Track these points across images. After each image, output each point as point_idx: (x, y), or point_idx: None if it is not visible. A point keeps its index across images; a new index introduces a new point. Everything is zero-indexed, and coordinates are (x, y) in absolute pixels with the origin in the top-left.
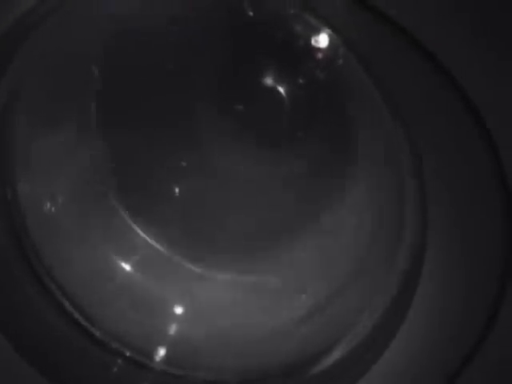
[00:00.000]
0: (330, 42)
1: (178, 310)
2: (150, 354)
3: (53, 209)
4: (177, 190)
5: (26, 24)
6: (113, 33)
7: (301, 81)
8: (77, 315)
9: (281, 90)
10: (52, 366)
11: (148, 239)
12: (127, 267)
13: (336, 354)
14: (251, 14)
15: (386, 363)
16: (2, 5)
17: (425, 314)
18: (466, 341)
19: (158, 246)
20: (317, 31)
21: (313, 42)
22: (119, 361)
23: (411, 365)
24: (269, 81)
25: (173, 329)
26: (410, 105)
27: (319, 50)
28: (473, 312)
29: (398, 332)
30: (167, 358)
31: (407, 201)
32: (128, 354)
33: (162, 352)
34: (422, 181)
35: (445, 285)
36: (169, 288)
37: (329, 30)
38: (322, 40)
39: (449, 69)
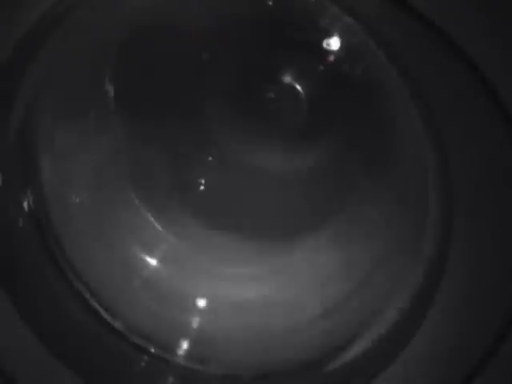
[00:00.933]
0: (352, 31)
1: (199, 305)
2: (173, 350)
3: (76, 204)
4: (198, 183)
5: (46, 23)
6: (131, 28)
7: (322, 73)
8: (101, 310)
9: (302, 83)
10: (77, 360)
11: (170, 234)
12: (150, 263)
13: (354, 351)
14: (271, 3)
15: (404, 361)
16: (23, 5)
17: (445, 313)
18: (484, 342)
19: (179, 240)
20: (338, 20)
21: (334, 32)
22: (142, 355)
23: (430, 362)
24: (290, 73)
25: (195, 324)
26: (434, 93)
27: (341, 40)
28: (493, 313)
29: (418, 330)
30: (188, 353)
31: (431, 197)
32: (151, 349)
33: (183, 347)
34: (446, 177)
35: (466, 286)
36: (190, 283)
37: (350, 18)
38: (344, 30)
39: (470, 54)
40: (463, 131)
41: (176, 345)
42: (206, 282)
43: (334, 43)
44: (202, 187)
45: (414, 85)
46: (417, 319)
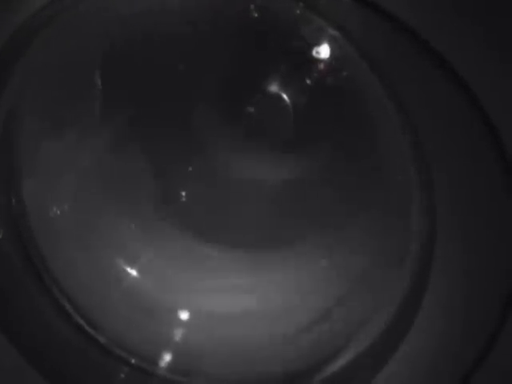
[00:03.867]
0: (336, 42)
1: (182, 317)
2: (154, 361)
3: (58, 215)
4: (181, 195)
5: (29, 29)
6: (117, 37)
7: (307, 84)
8: (81, 322)
9: (287, 93)
10: (57, 372)
11: (152, 245)
12: (131, 273)
13: (342, 361)
14: (256, 15)
15: (391, 371)
16: (5, 10)
17: (434, 316)
18: (478, 341)
19: (161, 252)
20: (323, 31)
21: (319, 43)
22: (124, 367)
23: (417, 372)
24: (276, 84)
25: (176, 336)
26: (416, 102)
27: (325, 52)
28: (485, 312)
29: (402, 342)
30: (171, 365)
31: (415, 206)
32: (132, 360)
33: (166, 359)
34: (431, 188)
35: (455, 285)
36: (173, 294)
37: (334, 30)
38: (328, 41)
39: (452, 64)
40: (446, 140)
41: (158, 357)
42: (190, 293)
43: (318, 54)
44: (185, 199)
45: (397, 94)
46: (405, 325)
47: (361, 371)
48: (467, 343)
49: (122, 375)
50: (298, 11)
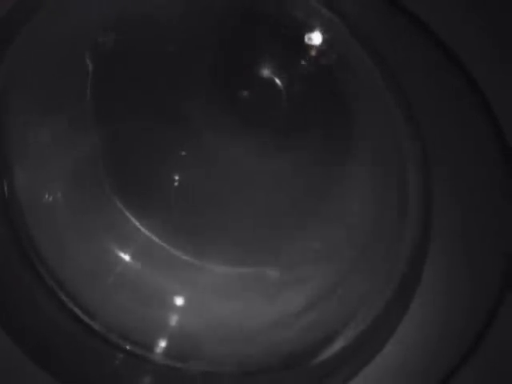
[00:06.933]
0: (330, 24)
1: (178, 302)
2: (150, 347)
3: (50, 202)
4: (175, 180)
5: (19, 13)
6: (108, 22)
7: (301, 67)
8: (75, 308)
9: (280, 77)
10: (52, 359)
11: (146, 230)
12: (125, 259)
13: (339, 344)
14: None
15: (385, 357)
16: None
17: (425, 310)
18: (465, 340)
19: (156, 237)
20: (316, 13)
21: (312, 25)
22: (119, 354)
23: (411, 359)
24: (269, 68)
25: (172, 320)
26: (412, 85)
27: (319, 34)
28: (474, 311)
29: (399, 325)
30: (167, 351)
31: (411, 188)
32: (128, 347)
33: (162, 344)
34: (425, 168)
35: (447, 283)
36: (168, 279)
37: (328, 11)
38: (322, 23)
39: (449, 44)
40: (441, 120)
41: (154, 342)
42: (185, 278)
43: (312, 37)
44: (179, 183)
45: (392, 75)
46: (400, 310)
47: (361, 352)
48: (465, 325)
49: (118, 361)
50: None
